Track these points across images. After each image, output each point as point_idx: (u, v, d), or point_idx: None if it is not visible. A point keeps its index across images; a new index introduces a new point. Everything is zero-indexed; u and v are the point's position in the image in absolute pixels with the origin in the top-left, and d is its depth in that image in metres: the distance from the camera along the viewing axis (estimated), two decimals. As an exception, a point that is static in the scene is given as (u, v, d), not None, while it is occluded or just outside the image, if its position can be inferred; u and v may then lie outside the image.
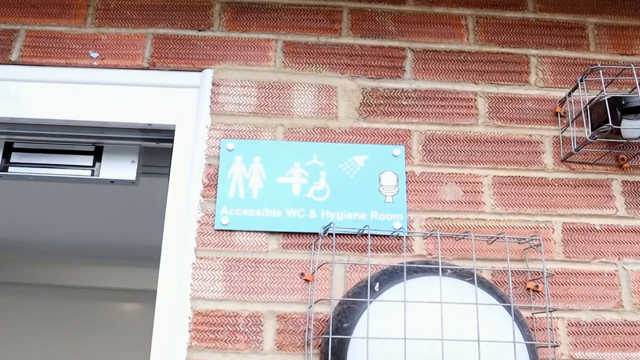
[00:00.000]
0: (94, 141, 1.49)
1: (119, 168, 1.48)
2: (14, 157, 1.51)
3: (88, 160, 1.49)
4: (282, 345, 1.22)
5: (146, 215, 2.97)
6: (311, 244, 1.29)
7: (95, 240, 3.47)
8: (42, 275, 3.65)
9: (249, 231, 1.30)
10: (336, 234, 1.29)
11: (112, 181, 1.48)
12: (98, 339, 3.78)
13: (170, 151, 1.45)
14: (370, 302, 1.18)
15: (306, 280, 1.27)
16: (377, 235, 1.31)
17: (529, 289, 1.31)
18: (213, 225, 1.30)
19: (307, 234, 1.30)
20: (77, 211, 2.97)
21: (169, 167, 1.41)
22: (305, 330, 1.24)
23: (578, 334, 1.28)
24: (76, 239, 3.45)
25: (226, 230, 1.30)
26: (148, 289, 3.57)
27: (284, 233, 1.30)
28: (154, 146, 1.49)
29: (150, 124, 1.40)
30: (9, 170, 1.50)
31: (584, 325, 1.29)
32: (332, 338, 1.16)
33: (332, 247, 1.29)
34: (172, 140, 1.43)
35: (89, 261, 3.71)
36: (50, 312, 3.79)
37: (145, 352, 3.57)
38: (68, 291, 3.77)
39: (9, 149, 1.52)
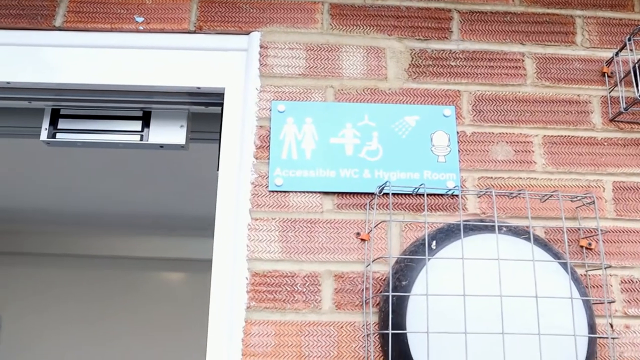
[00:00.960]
0: (142, 106, 1.45)
1: (168, 132, 1.44)
2: (62, 124, 1.47)
3: (137, 125, 1.45)
4: (340, 304, 1.20)
5: (189, 185, 2.95)
6: (366, 204, 1.26)
7: (140, 211, 3.46)
8: (89, 247, 3.65)
9: (303, 192, 1.27)
10: (391, 194, 1.26)
11: (161, 146, 1.45)
12: (143, 307, 3.79)
13: (218, 116, 1.41)
14: (429, 259, 1.15)
15: (362, 239, 1.24)
16: (431, 195, 1.28)
17: (582, 246, 1.27)
18: (267, 186, 1.27)
19: (361, 194, 1.27)
20: (122, 182, 2.95)
21: (218, 132, 1.38)
22: (362, 289, 1.21)
23: (631, 290, 1.25)
24: (122, 210, 3.44)
25: (280, 192, 1.27)
26: (193, 257, 3.59)
27: (338, 193, 1.27)
28: (202, 111, 1.46)
29: (199, 87, 1.36)
30: (56, 136, 1.46)
31: (636, 282, 1.26)
32: (392, 295, 1.13)
33: (387, 206, 1.26)
34: (220, 104, 1.39)
35: (135, 232, 3.71)
36: (98, 282, 3.80)
37: (188, 319, 3.59)
38: (115, 262, 3.78)
39: (56, 115, 1.48)
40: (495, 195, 1.28)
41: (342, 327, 1.19)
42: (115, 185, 2.99)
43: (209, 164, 2.58)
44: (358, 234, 1.24)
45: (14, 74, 1.38)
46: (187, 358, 3.72)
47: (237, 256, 1.22)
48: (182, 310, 3.79)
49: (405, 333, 1.11)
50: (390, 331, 1.09)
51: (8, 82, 1.39)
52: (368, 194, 1.27)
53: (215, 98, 1.39)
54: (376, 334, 1.18)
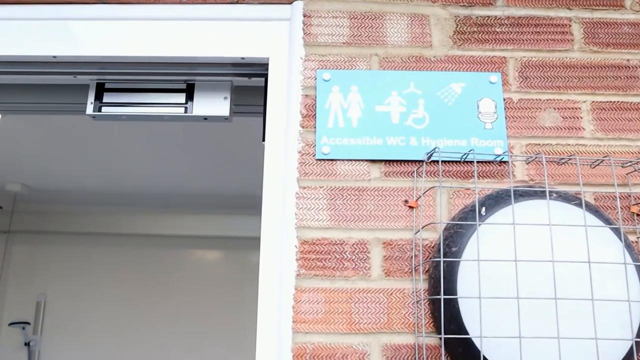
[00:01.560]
0: (186, 78, 1.44)
1: (212, 105, 1.43)
2: (107, 98, 1.47)
3: (181, 98, 1.44)
4: (389, 271, 1.18)
5: (228, 163, 2.95)
6: (413, 172, 1.24)
7: (178, 190, 3.48)
8: (130, 226, 3.70)
9: (350, 160, 1.24)
10: (438, 161, 1.23)
11: (205, 118, 1.43)
12: (181, 283, 3.82)
13: (260, 89, 1.40)
14: (479, 224, 1.12)
15: (410, 207, 1.21)
16: (478, 162, 1.25)
17: (633, 213, 1.23)
18: (314, 155, 1.25)
19: (408, 161, 1.24)
20: (161, 162, 2.96)
21: (261, 105, 1.36)
22: (411, 257, 1.19)
23: (684, 257, 1.21)
24: (161, 189, 3.46)
25: (327, 160, 1.24)
26: (230, 235, 3.61)
27: (386, 161, 1.25)
28: (245, 84, 1.44)
29: (243, 58, 1.34)
30: (102, 110, 1.46)
31: (690, 248, 1.21)
32: (443, 261, 1.11)
33: (434, 174, 1.23)
34: (264, 75, 1.38)
35: (173, 210, 3.74)
36: (138, 259, 3.85)
37: (225, 294, 3.61)
38: (154, 240, 3.82)
39: (101, 90, 1.48)
40: (545, 161, 1.24)
41: (391, 294, 1.17)
42: (155, 165, 3.00)
43: (246, 142, 2.59)
44: (406, 201, 1.22)
45: (60, 48, 1.38)
46: (221, 328, 3.75)
47: (285, 225, 1.20)
48: (219, 286, 3.82)
49: (457, 298, 1.09)
50: (442, 297, 1.07)
51: (54, 57, 1.39)
52: (415, 161, 1.24)
53: (259, 69, 1.37)
54: (426, 301, 1.15)
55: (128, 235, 3.77)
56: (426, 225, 1.19)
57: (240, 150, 2.73)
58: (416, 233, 1.19)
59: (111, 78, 1.46)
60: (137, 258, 3.88)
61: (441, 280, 1.09)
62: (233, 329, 3.75)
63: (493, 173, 1.24)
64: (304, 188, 1.23)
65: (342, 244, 1.19)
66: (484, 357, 1.05)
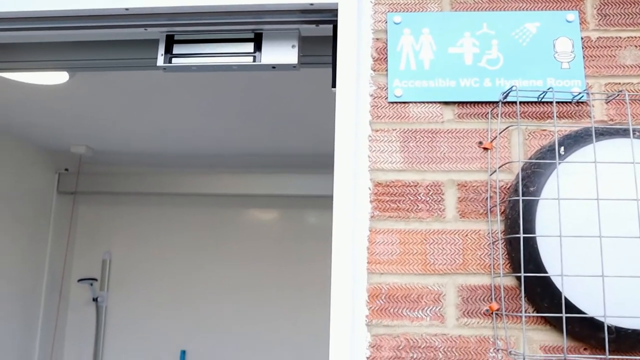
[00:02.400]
0: (254, 27, 1.42)
1: (280, 53, 1.41)
2: (176, 49, 1.46)
3: (249, 47, 1.42)
4: (464, 212, 1.15)
5: (286, 122, 2.94)
6: (486, 113, 1.19)
7: (236, 150, 3.51)
8: (189, 186, 3.75)
9: (423, 102, 1.21)
10: (513, 102, 1.18)
11: (273, 66, 1.42)
12: (239, 241, 3.88)
13: (327, 39, 1.37)
14: (559, 163, 1.08)
15: (485, 148, 1.18)
16: (556, 102, 1.19)
17: None
18: (386, 98, 1.22)
19: (482, 103, 1.20)
20: (220, 122, 2.97)
21: (328, 55, 1.33)
22: (487, 198, 1.15)
23: None
24: (219, 149, 3.49)
25: (400, 102, 1.21)
26: (287, 194, 3.63)
27: (459, 103, 1.21)
28: (312, 33, 1.41)
29: (312, 4, 1.31)
30: (172, 61, 1.46)
31: None
32: (522, 200, 1.07)
33: (509, 115, 1.18)
34: (332, 21, 1.34)
35: (231, 170, 3.78)
36: (198, 218, 3.92)
37: (280, 251, 3.64)
38: (212, 199, 3.88)
39: (170, 42, 1.47)
40: (626, 101, 1.18)
41: (466, 235, 1.14)
42: (215, 125, 3.01)
43: (301, 102, 2.57)
44: (480, 142, 1.18)
45: (132, 0, 1.37)
46: (279, 285, 3.79)
47: (358, 167, 1.18)
48: (276, 244, 3.85)
49: (535, 238, 1.05)
50: (521, 235, 1.04)
51: (127, 9, 1.38)
52: (489, 102, 1.20)
53: (327, 15, 1.33)
54: (502, 242, 1.12)
55: (188, 195, 3.83)
56: (503, 165, 1.15)
57: (297, 109, 2.72)
58: (491, 174, 1.16)
59: (180, 29, 1.45)
60: (197, 217, 3.94)
61: (519, 220, 1.06)
62: (291, 284, 3.79)
63: (570, 113, 1.19)
64: (377, 131, 1.20)
65: (416, 185, 1.17)
66: (564, 297, 1.02)
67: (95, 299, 3.86)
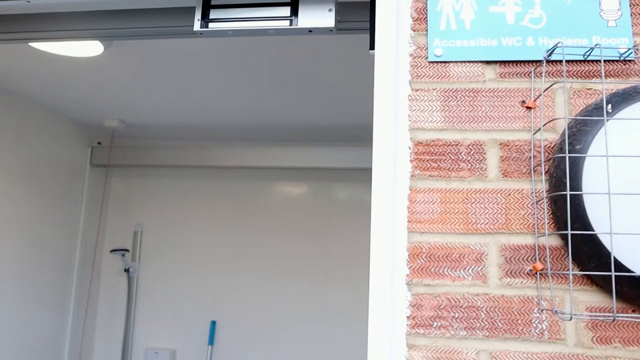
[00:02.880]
0: (290, -10, 1.39)
1: (317, 17, 1.38)
2: (213, 14, 1.45)
3: (285, 11, 1.40)
4: (506, 172, 1.12)
5: (320, 94, 2.92)
6: (529, 72, 1.16)
7: (268, 123, 3.50)
8: (221, 158, 3.76)
9: (464, 62, 1.18)
10: (557, 61, 1.14)
11: (310, 30, 1.39)
12: (269, 213, 3.89)
13: (363, 5, 1.34)
14: (607, 120, 1.04)
15: (528, 107, 1.14)
16: (601, 61, 1.15)
17: None
18: (426, 57, 1.19)
19: (524, 62, 1.17)
20: (254, 93, 2.96)
21: (365, 20, 1.31)
22: (530, 157, 1.12)
23: None
24: (252, 121, 3.48)
25: (440, 62, 1.18)
26: (319, 166, 3.63)
27: (501, 62, 1.17)
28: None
29: (350, -36, 1.28)
30: (209, 26, 1.44)
31: None
32: (568, 157, 1.04)
33: (553, 73, 1.15)
34: (370, -18, 1.31)
35: (263, 143, 3.77)
36: (230, 191, 3.94)
37: (309, 223, 3.64)
38: (244, 172, 3.89)
39: (207, 7, 1.45)
40: (675, 57, 1.14)
41: (509, 194, 1.11)
42: (244, 96, 3.00)
43: (333, 73, 2.53)
44: (523, 102, 1.15)
45: (169, -37, 1.35)
46: (307, 256, 3.80)
47: (398, 126, 1.16)
48: (306, 216, 3.85)
49: (582, 196, 1.02)
50: (568, 192, 1.01)
51: (163, -27, 1.36)
52: (532, 61, 1.16)
53: (365, -25, 1.31)
54: (547, 200, 1.09)
55: (219, 168, 3.84)
56: (548, 122, 1.12)
57: (327, 81, 2.69)
58: (535, 133, 1.13)
59: (216, -7, 1.44)
60: (227, 189, 3.95)
61: (564, 178, 1.03)
62: (319, 257, 3.79)
63: (617, 72, 1.15)
64: (417, 90, 1.17)
65: (457, 145, 1.14)
66: (613, 257, 0.99)
67: (126, 270, 3.91)
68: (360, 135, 3.46)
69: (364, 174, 3.67)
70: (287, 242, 3.84)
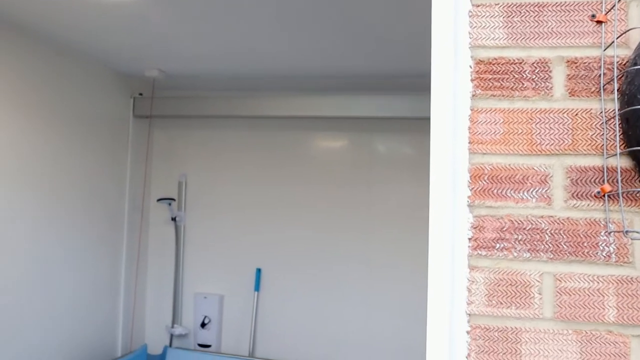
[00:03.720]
0: None
1: None
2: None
3: None
4: (573, 91, 1.05)
5: (357, 42, 2.84)
6: (600, -16, 1.07)
7: (306, 71, 3.45)
8: (261, 109, 3.73)
9: (529, -26, 1.09)
10: (631, -30, 1.05)
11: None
12: (309, 163, 3.87)
13: None
14: (688, 32, 0.95)
15: (598, 22, 1.06)
16: (680, -32, 1.05)
17: None
18: (488, -29, 1.11)
19: (595, -28, 1.07)
20: (295, 43, 2.90)
21: None
22: (599, 75, 1.05)
23: None
24: (290, 70, 3.43)
25: (503, -25, 1.10)
26: (356, 115, 3.57)
27: (569, -27, 1.08)
28: None
29: None
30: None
31: None
32: (643, 73, 0.96)
33: (627, -16, 1.06)
34: None
35: (301, 93, 3.72)
36: (269, 141, 3.92)
37: (350, 173, 3.61)
38: (284, 121, 3.86)
39: None
40: None
41: (576, 114, 1.04)
42: (285, 44, 2.94)
43: (377, 17, 2.44)
44: (593, 15, 1.06)
45: None
46: (349, 206, 3.78)
47: (458, 44, 1.09)
48: (346, 167, 3.82)
49: (658, 112, 0.95)
50: (644, 107, 0.93)
51: None
52: (604, -28, 1.07)
53: None
54: (618, 119, 1.02)
55: (260, 118, 3.81)
56: (622, 35, 1.04)
57: (370, 26, 2.60)
58: (605, 49, 1.05)
59: None
60: (269, 139, 3.94)
61: (638, 94, 0.96)
62: (362, 206, 3.77)
63: (697, -20, 1.05)
64: (478, 6, 1.10)
65: (520, 63, 1.07)
66: (689, 172, 0.92)
67: (173, 219, 3.96)
68: (405, 84, 3.38)
69: (408, 124, 3.60)
70: (329, 191, 3.82)
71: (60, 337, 3.14)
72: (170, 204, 3.89)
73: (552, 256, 1.01)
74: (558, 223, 1.02)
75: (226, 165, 3.98)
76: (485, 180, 1.05)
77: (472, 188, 1.05)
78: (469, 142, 1.06)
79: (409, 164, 3.70)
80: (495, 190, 1.04)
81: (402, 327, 3.62)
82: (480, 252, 1.03)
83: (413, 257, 3.63)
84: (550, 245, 1.02)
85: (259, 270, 3.84)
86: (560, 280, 1.01)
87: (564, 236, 1.02)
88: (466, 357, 1.02)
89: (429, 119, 1.10)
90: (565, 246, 1.01)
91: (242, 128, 3.96)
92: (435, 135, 1.07)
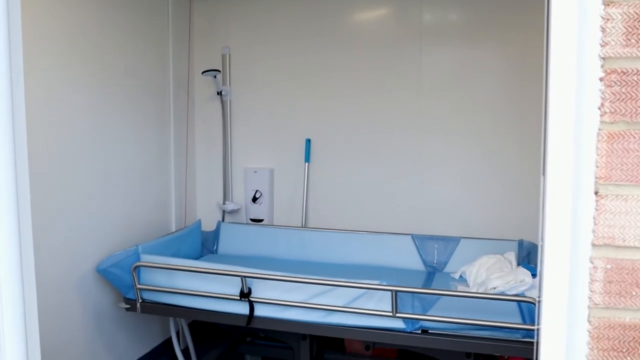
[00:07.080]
0: None
1: None
2: None
3: None
4: None
5: None
6: None
7: None
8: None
9: None
10: None
11: None
12: (356, 36, 3.54)
13: None
14: None
15: None
16: None
17: None
18: None
19: None
20: None
21: None
22: None
23: None
24: None
25: None
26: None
27: None
28: None
29: None
30: None
31: None
32: None
33: None
34: None
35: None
36: (318, 15, 3.57)
37: (395, 49, 3.24)
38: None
39: None
40: None
41: None
42: None
43: None
44: None
45: None
46: (394, 84, 3.48)
47: None
48: (392, 41, 3.46)
49: None
50: None
51: None
52: None
53: None
54: None
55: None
56: None
57: None
58: None
59: None
60: (313, 13, 3.57)
61: None
62: (410, 83, 3.45)
63: None
64: None
65: None
66: None
67: (219, 93, 3.73)
68: None
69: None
70: (377, 59, 3.49)
71: (114, 216, 3.08)
72: (215, 77, 3.63)
73: None
74: None
75: (269, 37, 3.66)
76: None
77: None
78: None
79: (459, 31, 3.31)
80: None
81: (458, 197, 3.44)
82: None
83: (467, 125, 3.36)
84: None
85: (308, 141, 3.64)
86: None
87: None
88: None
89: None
90: None
91: (284, 3, 3.59)
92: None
